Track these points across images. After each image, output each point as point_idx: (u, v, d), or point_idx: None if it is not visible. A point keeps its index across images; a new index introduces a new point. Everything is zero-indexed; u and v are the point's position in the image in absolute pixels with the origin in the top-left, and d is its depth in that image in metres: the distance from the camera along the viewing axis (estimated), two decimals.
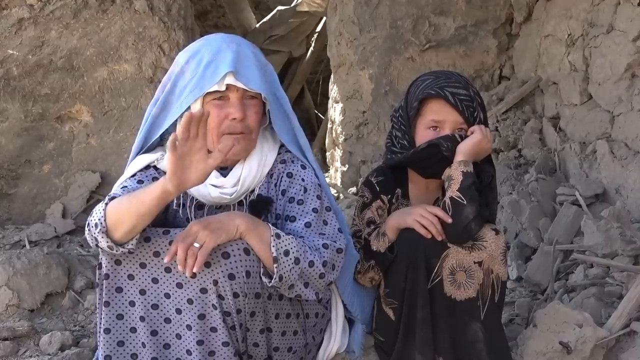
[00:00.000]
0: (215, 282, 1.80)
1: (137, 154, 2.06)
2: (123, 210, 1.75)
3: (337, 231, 2.01)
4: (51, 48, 4.00)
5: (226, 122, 1.94)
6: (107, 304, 1.87)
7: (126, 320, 1.89)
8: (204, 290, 1.81)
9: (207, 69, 1.92)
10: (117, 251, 1.80)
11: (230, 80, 1.91)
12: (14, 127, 4.03)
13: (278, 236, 1.86)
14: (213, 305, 1.82)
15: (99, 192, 4.11)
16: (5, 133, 4.03)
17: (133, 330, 1.89)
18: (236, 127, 1.94)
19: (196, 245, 1.75)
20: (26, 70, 3.99)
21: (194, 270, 1.74)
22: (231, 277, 1.80)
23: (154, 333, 1.88)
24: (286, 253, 1.85)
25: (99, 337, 1.91)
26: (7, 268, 2.93)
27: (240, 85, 1.92)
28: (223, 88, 1.92)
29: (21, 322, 2.74)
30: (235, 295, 1.82)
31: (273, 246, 1.84)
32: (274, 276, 1.84)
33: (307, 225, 1.98)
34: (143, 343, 1.88)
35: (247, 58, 1.97)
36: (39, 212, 4.11)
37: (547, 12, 4.13)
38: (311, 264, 1.89)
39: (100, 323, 1.90)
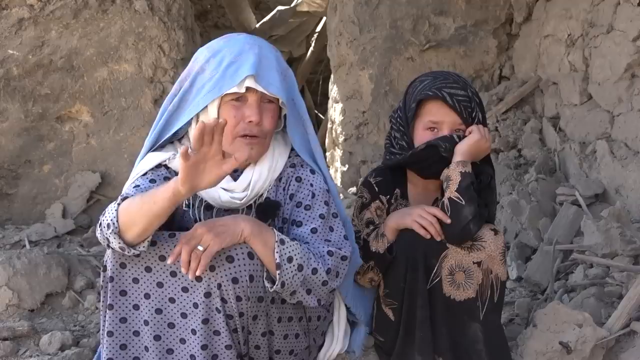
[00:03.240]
0: (219, 286, 1.79)
1: (149, 150, 2.04)
2: (136, 211, 1.73)
3: (342, 238, 1.99)
4: (51, 48, 4.01)
5: (242, 124, 1.92)
6: (111, 306, 1.87)
7: (130, 323, 1.88)
8: (208, 294, 1.80)
9: (227, 69, 1.90)
10: (128, 252, 1.78)
11: (250, 83, 1.89)
12: (14, 127, 4.03)
13: (282, 242, 1.85)
14: (217, 308, 1.81)
15: (99, 192, 4.12)
16: (5, 133, 4.03)
17: (136, 333, 1.88)
18: (252, 129, 1.92)
19: (200, 248, 1.75)
20: (26, 70, 3.99)
21: (197, 273, 1.73)
22: (235, 280, 1.80)
23: (157, 338, 1.87)
24: (290, 259, 1.84)
25: (102, 339, 1.91)
26: (7, 268, 2.92)
27: (260, 88, 1.90)
28: (242, 90, 1.89)
29: (21, 322, 2.73)
30: (238, 298, 1.81)
31: (277, 252, 1.83)
32: (277, 282, 1.84)
33: (313, 231, 1.96)
34: (146, 347, 1.88)
35: (268, 62, 1.94)
36: (39, 212, 4.11)
37: (547, 12, 4.12)
38: (314, 271, 1.88)
39: (104, 326, 1.89)
